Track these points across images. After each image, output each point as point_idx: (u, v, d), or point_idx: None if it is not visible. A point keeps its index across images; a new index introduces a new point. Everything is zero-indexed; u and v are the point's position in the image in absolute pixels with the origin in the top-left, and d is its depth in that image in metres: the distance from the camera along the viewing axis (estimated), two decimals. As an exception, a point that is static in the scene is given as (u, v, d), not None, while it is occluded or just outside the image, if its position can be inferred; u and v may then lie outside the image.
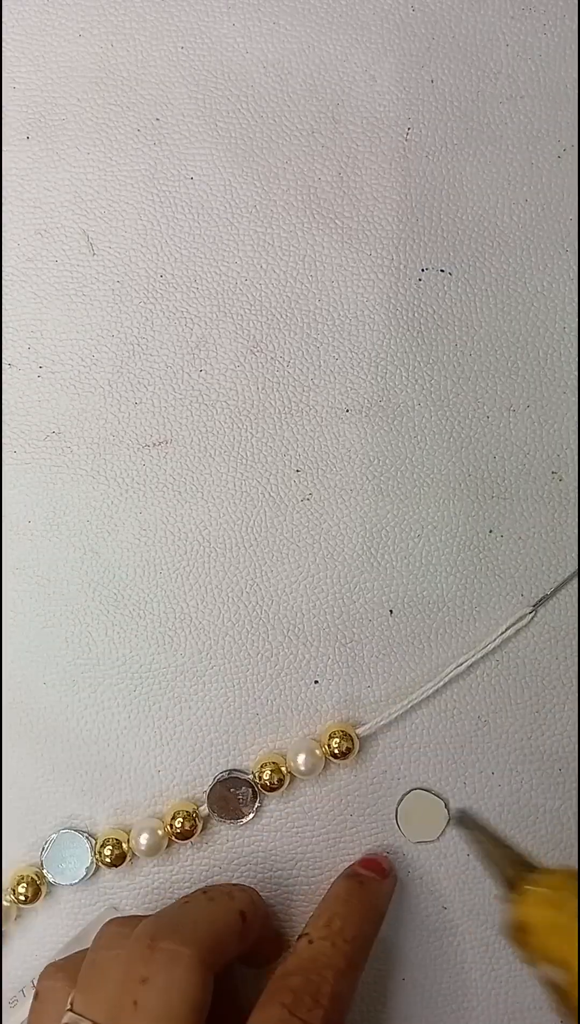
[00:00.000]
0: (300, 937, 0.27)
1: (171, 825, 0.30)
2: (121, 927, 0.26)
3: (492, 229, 0.32)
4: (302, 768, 0.30)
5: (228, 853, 0.30)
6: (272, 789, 0.30)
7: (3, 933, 0.30)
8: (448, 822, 0.30)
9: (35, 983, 0.27)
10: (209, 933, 0.25)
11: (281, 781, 0.30)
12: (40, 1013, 0.26)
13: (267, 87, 0.33)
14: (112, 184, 0.32)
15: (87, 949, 0.27)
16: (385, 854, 0.30)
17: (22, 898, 0.29)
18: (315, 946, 0.26)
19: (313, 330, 0.32)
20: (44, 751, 0.31)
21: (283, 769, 0.30)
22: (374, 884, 0.28)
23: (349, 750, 0.30)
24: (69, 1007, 0.25)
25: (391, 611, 0.31)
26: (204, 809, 0.30)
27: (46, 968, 0.27)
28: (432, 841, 0.30)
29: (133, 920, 0.26)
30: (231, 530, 0.31)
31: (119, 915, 0.29)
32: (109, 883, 0.30)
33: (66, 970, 0.26)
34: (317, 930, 0.26)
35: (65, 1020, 0.25)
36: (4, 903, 0.30)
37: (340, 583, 0.31)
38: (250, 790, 0.30)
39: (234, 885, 0.28)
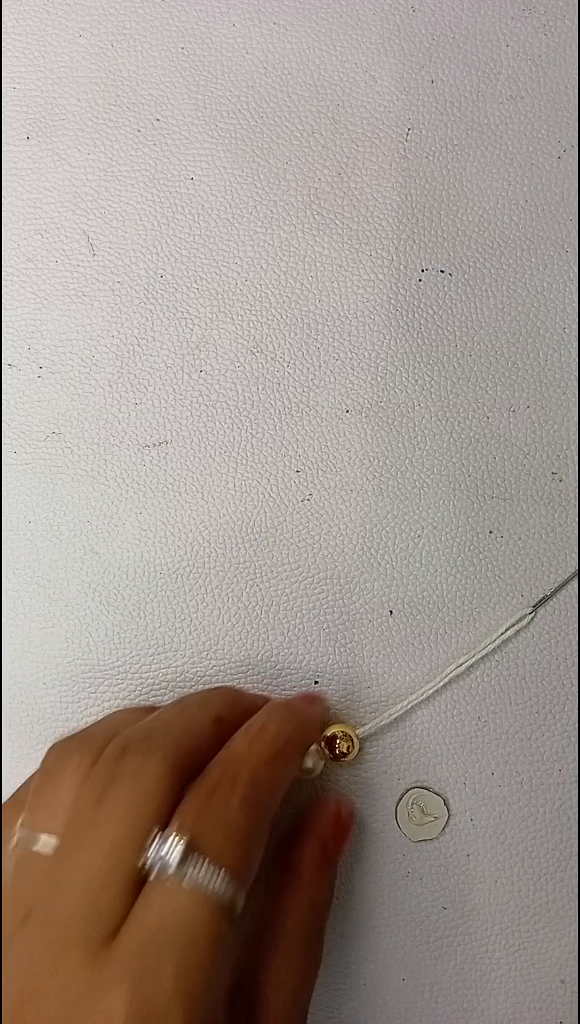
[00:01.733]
0: None
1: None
2: (64, 747, 0.25)
3: (492, 229, 0.32)
4: (303, 768, 0.30)
5: (228, 853, 0.30)
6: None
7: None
8: (448, 820, 0.30)
9: None
10: (179, 741, 0.24)
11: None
12: None
13: (267, 87, 0.33)
14: (112, 184, 0.32)
15: (28, 785, 0.26)
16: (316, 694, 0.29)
17: (22, 898, 0.29)
18: (232, 747, 0.25)
19: (313, 330, 0.32)
20: (44, 751, 0.31)
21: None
22: (298, 699, 0.28)
23: (349, 750, 0.30)
24: (20, 823, 0.24)
25: (391, 611, 0.31)
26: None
27: None
28: (433, 839, 0.30)
29: (76, 739, 0.25)
30: (231, 530, 0.31)
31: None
32: (109, 883, 0.30)
33: (13, 804, 0.25)
34: (235, 738, 0.25)
35: (15, 839, 0.23)
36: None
37: (340, 583, 0.31)
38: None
39: (213, 690, 0.27)
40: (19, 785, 0.27)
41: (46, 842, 0.23)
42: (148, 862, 0.21)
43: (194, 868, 0.21)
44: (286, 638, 0.31)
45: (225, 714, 0.26)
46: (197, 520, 0.31)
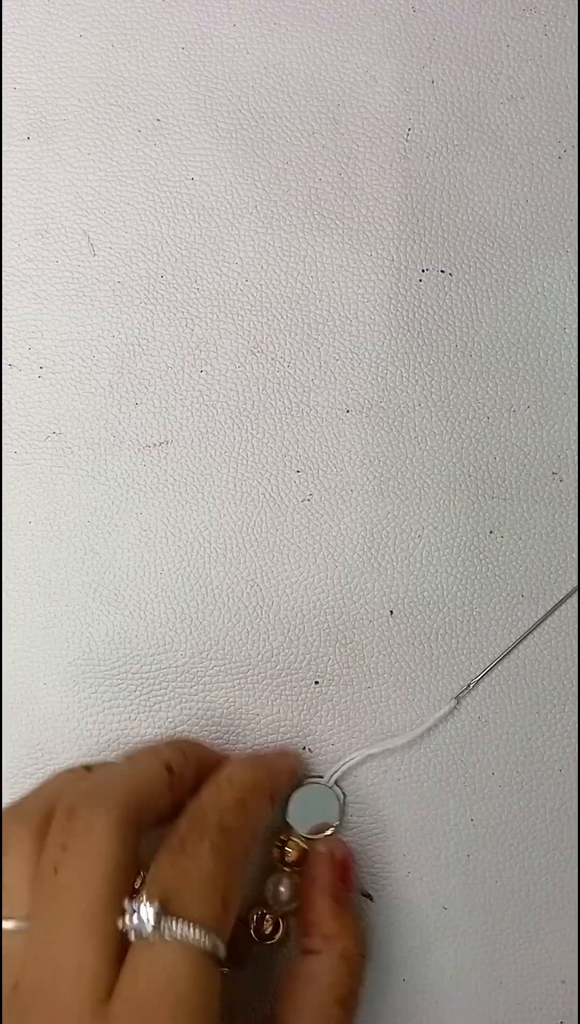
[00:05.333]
0: None
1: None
2: (6, 821, 0.24)
3: (492, 230, 0.32)
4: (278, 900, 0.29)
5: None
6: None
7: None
8: (343, 803, 0.29)
9: None
10: (127, 792, 0.24)
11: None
12: None
13: (268, 88, 0.33)
14: (113, 184, 0.32)
15: None
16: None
17: (22, 898, 0.29)
18: (197, 798, 0.25)
19: (314, 330, 0.32)
20: (44, 752, 0.31)
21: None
22: (266, 751, 0.28)
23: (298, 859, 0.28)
24: None
25: (391, 612, 0.31)
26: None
27: None
28: (335, 825, 0.29)
29: (14, 812, 0.24)
30: (231, 530, 0.31)
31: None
32: (109, 883, 0.30)
33: None
34: (201, 790, 0.25)
35: None
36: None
37: (340, 583, 0.31)
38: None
39: (164, 739, 0.27)
40: (13, 790, 0.26)
41: (17, 927, 0.23)
42: (125, 926, 0.21)
43: (171, 926, 0.21)
44: (286, 638, 0.31)
45: (177, 762, 0.26)
46: (197, 520, 0.31)
